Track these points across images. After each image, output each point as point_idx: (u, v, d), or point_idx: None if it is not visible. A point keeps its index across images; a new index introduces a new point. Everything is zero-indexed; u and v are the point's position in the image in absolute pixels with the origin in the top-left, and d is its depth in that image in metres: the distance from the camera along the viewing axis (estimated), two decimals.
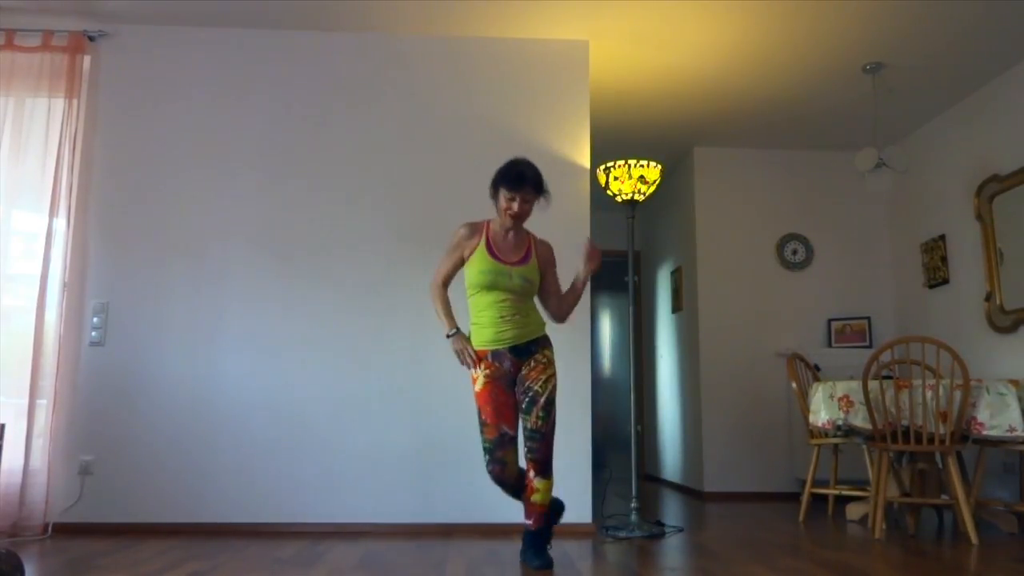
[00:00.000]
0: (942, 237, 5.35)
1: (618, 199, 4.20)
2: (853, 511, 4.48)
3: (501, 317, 3.11)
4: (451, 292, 3.28)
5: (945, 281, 5.31)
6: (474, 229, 3.21)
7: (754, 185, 6.12)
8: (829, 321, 5.94)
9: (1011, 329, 4.66)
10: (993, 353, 4.83)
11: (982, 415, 3.75)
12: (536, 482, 3.11)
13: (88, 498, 3.92)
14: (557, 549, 3.49)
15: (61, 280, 4.00)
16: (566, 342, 4.18)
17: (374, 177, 4.29)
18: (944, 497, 4.06)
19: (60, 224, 4.02)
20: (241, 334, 4.10)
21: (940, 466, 4.16)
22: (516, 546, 3.58)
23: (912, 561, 3.20)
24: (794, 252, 6.04)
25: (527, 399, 3.10)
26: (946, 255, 5.31)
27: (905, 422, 3.85)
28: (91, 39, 4.23)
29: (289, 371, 4.08)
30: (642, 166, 4.11)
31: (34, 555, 3.26)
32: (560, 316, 3.31)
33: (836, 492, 4.66)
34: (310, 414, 4.06)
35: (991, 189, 4.84)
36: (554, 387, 3.13)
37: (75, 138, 4.10)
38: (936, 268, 5.41)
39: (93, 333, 4.04)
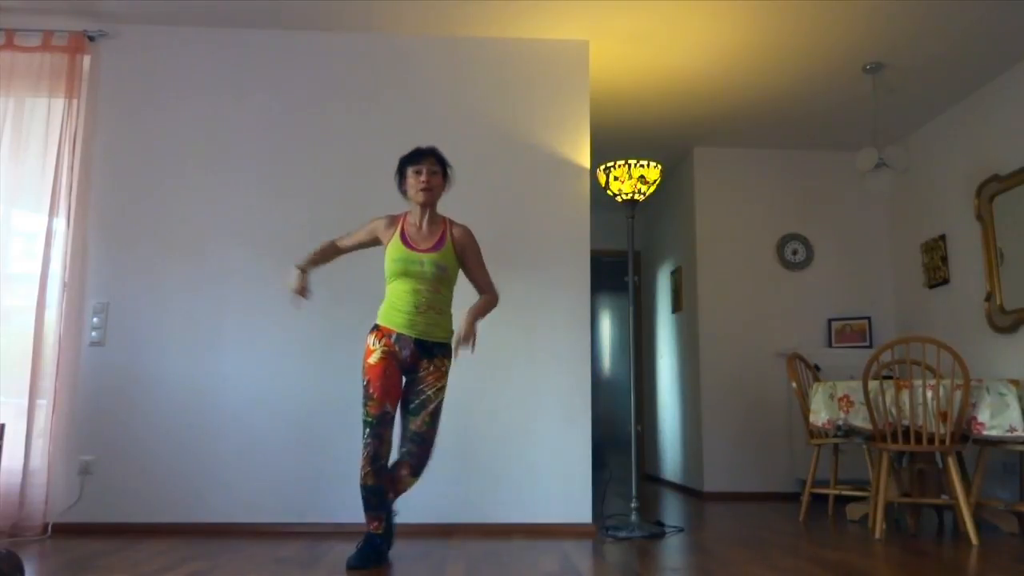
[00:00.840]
0: (942, 237, 5.35)
1: (618, 199, 4.20)
2: (853, 511, 4.48)
3: (416, 307, 3.12)
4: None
5: (945, 281, 5.31)
6: (391, 220, 3.27)
7: (754, 185, 6.12)
8: (829, 321, 5.94)
9: (1011, 329, 4.66)
10: (993, 353, 4.83)
11: (982, 415, 3.75)
12: (408, 480, 3.14)
13: (88, 498, 3.92)
14: (557, 549, 3.49)
15: (61, 280, 3.99)
16: (566, 342, 4.19)
17: (374, 177, 4.28)
18: (944, 497, 4.05)
19: (60, 224, 4.02)
20: (241, 334, 4.10)
21: (940, 466, 4.16)
22: (516, 546, 3.58)
23: (912, 561, 3.20)
24: (794, 252, 6.04)
25: (418, 401, 3.12)
26: (946, 255, 5.31)
27: (905, 422, 3.85)
28: (91, 39, 4.22)
29: (289, 371, 4.08)
30: (642, 166, 4.11)
31: (34, 555, 3.26)
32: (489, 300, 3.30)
33: (836, 492, 4.66)
34: (310, 414, 4.05)
35: (991, 189, 4.85)
36: (443, 398, 3.17)
37: (75, 138, 4.10)
38: (936, 268, 5.41)
39: (93, 333, 4.04)
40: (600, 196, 5.83)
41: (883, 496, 3.81)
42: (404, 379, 3.17)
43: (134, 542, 3.60)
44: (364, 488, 3.05)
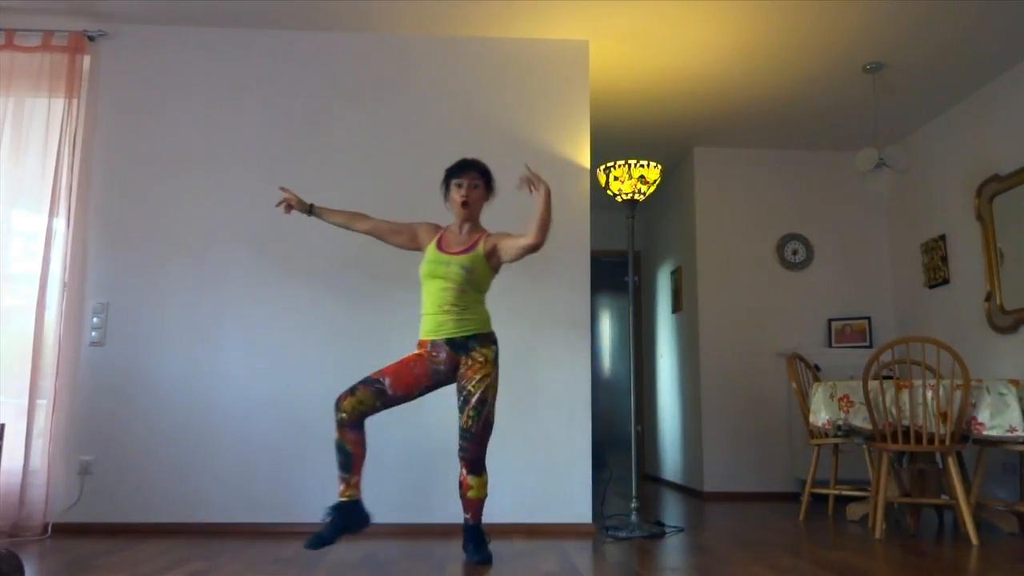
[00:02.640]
0: (942, 237, 5.35)
1: (618, 199, 4.20)
2: (853, 511, 4.48)
3: (440, 307, 3.15)
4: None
5: (945, 281, 5.31)
6: (436, 228, 3.35)
7: (754, 185, 6.12)
8: (829, 321, 5.94)
9: (1011, 329, 4.66)
10: (993, 353, 4.83)
11: (982, 415, 3.75)
12: (469, 479, 3.19)
13: (88, 498, 3.92)
14: (557, 549, 3.49)
15: (61, 280, 3.99)
16: (566, 342, 4.19)
17: (373, 177, 4.28)
18: (944, 497, 4.05)
19: (60, 224, 4.02)
20: (241, 334, 4.10)
21: (940, 466, 4.16)
22: (516, 546, 3.58)
23: (912, 561, 3.20)
24: (794, 252, 6.04)
25: (461, 398, 3.14)
26: (946, 255, 5.31)
27: (905, 422, 3.85)
28: (91, 39, 4.22)
29: (289, 371, 4.08)
30: (642, 166, 4.11)
31: (34, 555, 3.26)
32: (537, 239, 3.10)
33: (836, 492, 4.66)
34: (310, 414, 4.05)
35: (991, 189, 4.84)
36: (488, 387, 3.13)
37: (75, 138, 4.10)
38: (936, 268, 5.41)
39: (93, 333, 4.04)
40: (600, 196, 5.82)
41: (883, 496, 3.81)
42: (444, 384, 3.20)
43: (134, 542, 3.60)
44: (336, 441, 3.08)
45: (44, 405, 3.88)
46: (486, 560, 3.14)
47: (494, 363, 3.17)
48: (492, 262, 3.24)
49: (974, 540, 3.62)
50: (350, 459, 3.10)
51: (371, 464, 4.04)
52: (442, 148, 4.33)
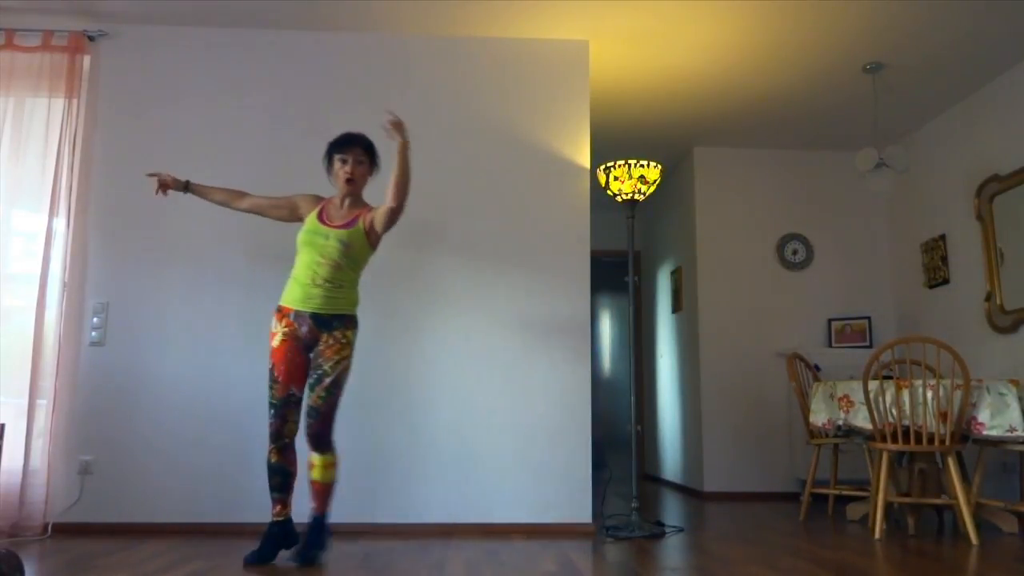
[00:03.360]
0: (942, 237, 5.35)
1: (618, 199, 4.20)
2: (853, 511, 4.48)
3: (312, 280, 3.13)
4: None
5: (945, 281, 5.31)
6: (317, 199, 3.32)
7: (754, 185, 6.12)
8: (829, 321, 5.94)
9: (1011, 329, 4.66)
10: (993, 353, 4.83)
11: (982, 415, 3.75)
12: (313, 457, 3.14)
13: (88, 498, 3.92)
14: (557, 549, 3.49)
15: (61, 280, 3.99)
16: (566, 342, 4.18)
17: (373, 176, 4.28)
18: (944, 497, 4.05)
19: (60, 224, 4.02)
20: (241, 334, 4.10)
21: (940, 466, 4.16)
22: (516, 546, 3.58)
23: (912, 561, 3.20)
24: (794, 252, 6.04)
25: (315, 377, 3.12)
26: (946, 255, 5.31)
27: (905, 422, 3.85)
28: (91, 39, 4.22)
29: None
30: (642, 166, 4.11)
31: (34, 555, 3.26)
32: (393, 201, 3.12)
33: (836, 492, 4.66)
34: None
35: (991, 189, 4.85)
36: (344, 370, 3.13)
37: (75, 138, 4.10)
38: (936, 268, 5.41)
39: (93, 333, 4.04)
40: (600, 196, 5.83)
41: (883, 496, 3.81)
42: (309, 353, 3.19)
43: (134, 542, 3.60)
44: (268, 467, 3.14)
45: (44, 405, 3.88)
46: (309, 561, 3.05)
47: (352, 346, 3.18)
48: (371, 239, 3.23)
49: (974, 540, 3.62)
50: (289, 479, 3.17)
51: (370, 464, 4.05)
52: (442, 148, 4.34)
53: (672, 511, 4.96)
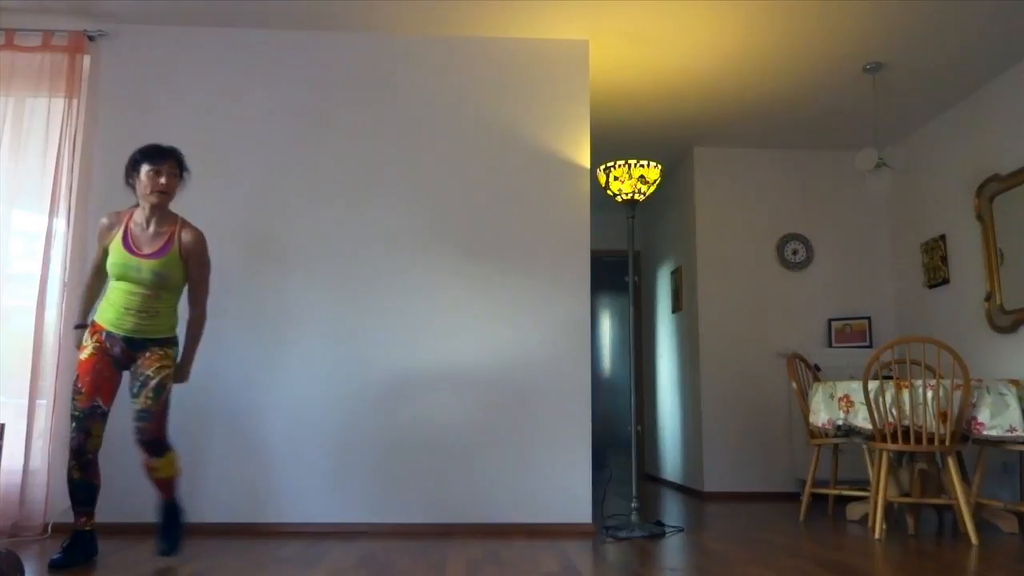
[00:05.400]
0: (942, 237, 5.35)
1: (618, 199, 4.20)
2: (853, 511, 4.48)
3: (127, 308, 3.08)
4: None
5: (945, 281, 5.31)
6: (115, 219, 3.16)
7: (754, 185, 6.12)
8: (829, 321, 5.94)
9: (1011, 329, 4.66)
10: (993, 353, 4.83)
11: (982, 415, 3.75)
12: (153, 461, 3.09)
13: None
14: (557, 549, 3.49)
15: (61, 280, 3.99)
16: (566, 342, 4.19)
17: (373, 177, 4.28)
18: (944, 497, 4.05)
19: (60, 224, 4.02)
20: (239, 334, 4.10)
21: (940, 466, 4.16)
22: (516, 546, 3.58)
23: (912, 561, 3.20)
24: (794, 252, 6.04)
25: (138, 383, 3.08)
26: (946, 255, 5.31)
27: (905, 422, 3.85)
28: (91, 39, 4.22)
29: (288, 371, 4.08)
30: (642, 166, 4.11)
31: (34, 555, 3.26)
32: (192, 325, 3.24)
33: (836, 492, 4.66)
34: (309, 414, 4.05)
35: (991, 189, 4.85)
36: (167, 375, 3.11)
37: (75, 138, 4.10)
38: (936, 268, 5.41)
39: None
40: (600, 196, 5.83)
41: (883, 496, 3.81)
42: (123, 372, 3.15)
43: (134, 542, 3.60)
44: (70, 483, 3.05)
45: (44, 405, 3.88)
46: (173, 550, 3.05)
47: (173, 359, 3.17)
48: (189, 262, 3.17)
49: (974, 540, 3.62)
50: (94, 491, 3.12)
51: (370, 464, 4.05)
52: (442, 148, 4.34)
53: (672, 511, 4.96)
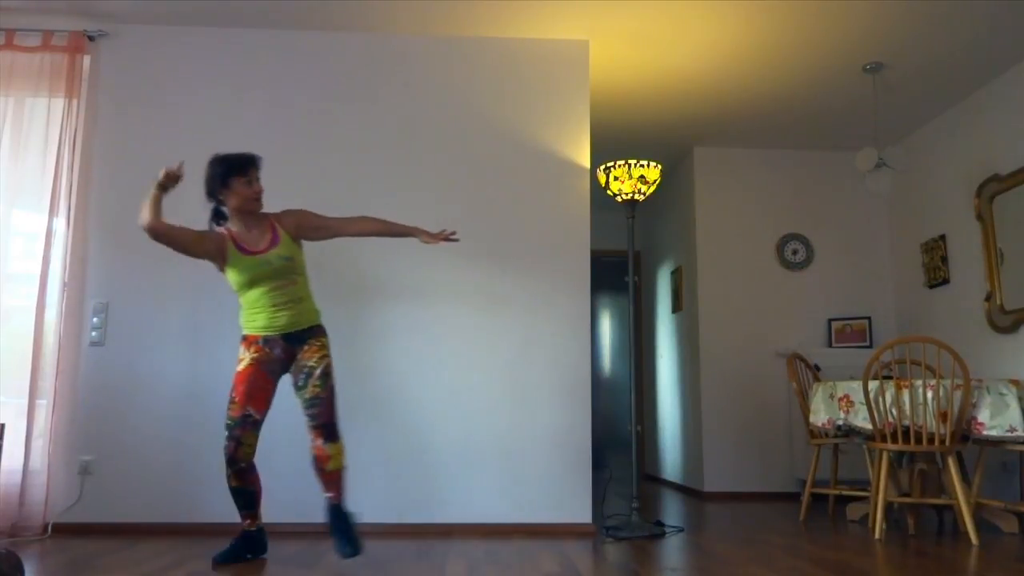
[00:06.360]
0: (942, 237, 5.35)
1: (618, 199, 4.20)
2: (853, 511, 4.48)
3: (274, 306, 3.12)
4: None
5: (945, 281, 5.31)
6: (216, 238, 3.15)
7: (754, 185, 6.12)
8: (829, 321, 5.94)
9: (1011, 329, 4.66)
10: (993, 353, 4.83)
11: (982, 415, 3.75)
12: (326, 448, 3.10)
13: (88, 498, 3.92)
14: (557, 549, 3.49)
15: (61, 280, 3.99)
16: (566, 342, 4.18)
17: (373, 177, 4.28)
18: (944, 497, 4.05)
19: (60, 224, 4.02)
20: (240, 334, 4.09)
21: (940, 466, 4.16)
22: (516, 546, 3.58)
23: (912, 561, 3.20)
24: (794, 252, 6.04)
25: (303, 375, 3.12)
26: (946, 255, 5.31)
27: (905, 422, 3.85)
28: (91, 39, 4.22)
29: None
30: (642, 166, 4.11)
31: (34, 555, 3.26)
32: (357, 229, 3.30)
33: (836, 492, 4.66)
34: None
35: (991, 189, 4.84)
36: (330, 363, 3.16)
37: (75, 138, 4.10)
38: (936, 268, 5.41)
39: (93, 333, 4.04)
40: (600, 196, 5.82)
41: (883, 496, 3.81)
42: (281, 377, 3.19)
43: (134, 542, 3.60)
44: (230, 489, 3.16)
45: (44, 405, 3.88)
46: (358, 552, 3.05)
47: (329, 349, 3.21)
48: (299, 240, 3.24)
49: (974, 540, 3.62)
50: (255, 496, 3.19)
51: (370, 464, 4.05)
52: (442, 148, 4.34)
53: (672, 511, 4.96)
